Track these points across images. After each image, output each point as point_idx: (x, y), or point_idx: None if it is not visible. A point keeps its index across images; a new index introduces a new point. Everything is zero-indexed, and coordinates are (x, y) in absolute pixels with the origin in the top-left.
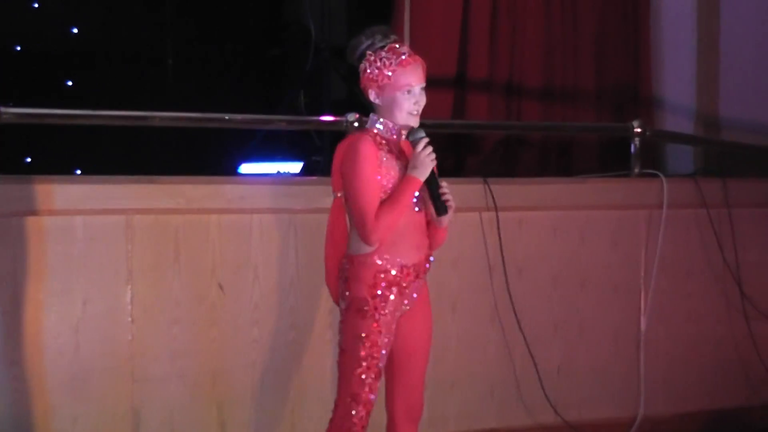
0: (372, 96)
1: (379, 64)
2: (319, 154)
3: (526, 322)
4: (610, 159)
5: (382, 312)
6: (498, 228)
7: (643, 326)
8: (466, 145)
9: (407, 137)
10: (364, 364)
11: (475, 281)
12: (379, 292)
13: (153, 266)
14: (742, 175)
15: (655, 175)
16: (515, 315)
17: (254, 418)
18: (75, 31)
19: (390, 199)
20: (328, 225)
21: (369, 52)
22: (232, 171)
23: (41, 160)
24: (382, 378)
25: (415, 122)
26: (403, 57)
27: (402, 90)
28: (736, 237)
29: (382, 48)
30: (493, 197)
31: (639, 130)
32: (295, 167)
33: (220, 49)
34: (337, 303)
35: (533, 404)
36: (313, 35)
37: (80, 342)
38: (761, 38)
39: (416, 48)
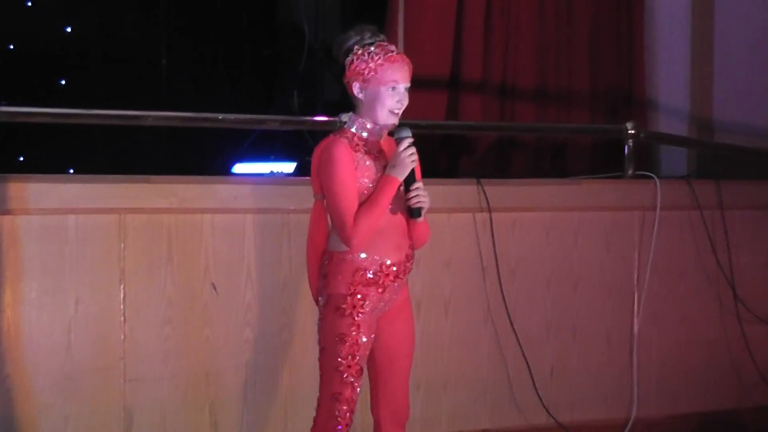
0: (356, 89)
1: (365, 57)
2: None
3: (519, 324)
4: (603, 160)
5: (361, 310)
6: (491, 229)
7: (636, 328)
8: (460, 147)
9: (393, 134)
10: (344, 362)
11: (469, 282)
12: (358, 290)
13: (145, 266)
14: (736, 177)
15: (649, 177)
16: (508, 316)
17: (246, 419)
18: (68, 30)
19: (368, 200)
20: (309, 226)
21: (357, 47)
22: (225, 171)
23: (34, 159)
24: (366, 377)
25: (394, 121)
26: (392, 53)
27: (387, 85)
28: (729, 239)
29: (370, 45)
30: (486, 198)
31: (633, 131)
32: (289, 167)
33: (213, 49)
34: (317, 302)
35: (526, 405)
36: (307, 36)
37: (72, 341)
38: (755, 40)
39: (410, 49)
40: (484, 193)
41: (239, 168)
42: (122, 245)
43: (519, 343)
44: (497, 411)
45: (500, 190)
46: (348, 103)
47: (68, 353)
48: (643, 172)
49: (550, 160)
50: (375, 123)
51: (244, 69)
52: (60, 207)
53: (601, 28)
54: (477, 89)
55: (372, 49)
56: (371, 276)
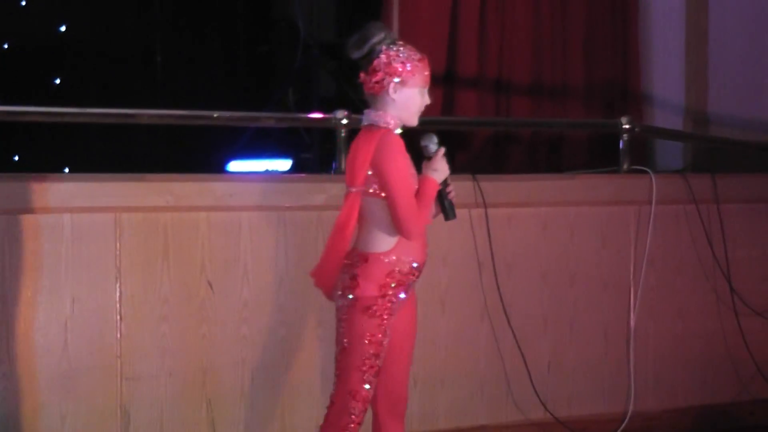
0: (390, 88)
1: (402, 58)
2: (309, 151)
3: (516, 319)
4: (599, 155)
5: (389, 313)
6: (487, 224)
7: (632, 322)
8: (456, 142)
9: (422, 144)
10: (368, 362)
11: (465, 278)
12: (389, 293)
13: (142, 264)
14: (731, 171)
15: (644, 171)
16: (505, 311)
17: (244, 416)
18: (63, 28)
19: (423, 199)
20: (340, 219)
21: (384, 47)
22: (221, 168)
23: (29, 158)
24: None
25: (415, 123)
26: (420, 56)
27: (419, 88)
28: (725, 233)
29: (392, 44)
30: (482, 194)
31: (628, 126)
32: (284, 164)
33: (209, 46)
34: (331, 298)
35: (523, 400)
36: (302, 33)
37: (69, 340)
38: (749, 34)
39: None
40: (480, 189)
41: (235, 165)
42: (118, 244)
43: (515, 339)
44: (494, 406)
45: (496, 186)
46: (343, 100)
47: (65, 352)
48: (638, 167)
49: (545, 155)
50: (401, 122)
51: (239, 66)
52: (56, 206)
53: (596, 22)
54: (472, 84)
55: (403, 50)
56: (401, 278)
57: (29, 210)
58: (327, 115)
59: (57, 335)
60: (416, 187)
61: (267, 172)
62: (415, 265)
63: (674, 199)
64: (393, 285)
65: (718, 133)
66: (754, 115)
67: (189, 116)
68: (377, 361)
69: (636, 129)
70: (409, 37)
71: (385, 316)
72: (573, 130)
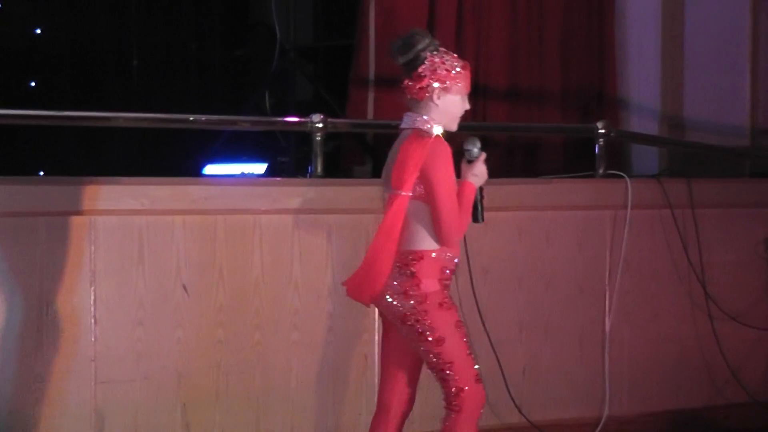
0: (435, 94)
1: (447, 65)
2: (285, 154)
3: (492, 323)
4: (575, 160)
5: (452, 301)
6: None
7: (607, 327)
8: None
9: (465, 147)
10: (465, 346)
11: None
12: (444, 286)
13: (117, 267)
14: (707, 176)
15: (620, 176)
16: (480, 316)
17: (219, 420)
18: (38, 31)
19: (463, 204)
20: (389, 222)
21: (429, 53)
22: (196, 172)
23: (3, 161)
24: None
25: (456, 128)
26: (462, 63)
27: (462, 94)
28: (700, 237)
29: (435, 51)
30: None
31: (603, 130)
32: (260, 168)
33: (184, 50)
34: (371, 299)
35: (498, 404)
36: (279, 36)
37: (43, 344)
38: (725, 39)
39: (381, 49)
40: None
41: (210, 169)
42: (93, 247)
43: (491, 343)
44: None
45: None
46: (319, 104)
47: (39, 355)
48: (614, 171)
49: (521, 160)
50: (443, 127)
51: (216, 70)
52: (30, 209)
53: (573, 27)
54: None
55: (447, 57)
56: (449, 273)
57: (3, 213)
58: (303, 119)
59: (31, 338)
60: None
61: (243, 175)
62: (456, 260)
63: (650, 204)
64: (447, 280)
65: (694, 138)
66: (729, 121)
67: (165, 119)
68: (469, 342)
69: (612, 134)
70: (386, 42)
71: (453, 305)
72: (549, 135)
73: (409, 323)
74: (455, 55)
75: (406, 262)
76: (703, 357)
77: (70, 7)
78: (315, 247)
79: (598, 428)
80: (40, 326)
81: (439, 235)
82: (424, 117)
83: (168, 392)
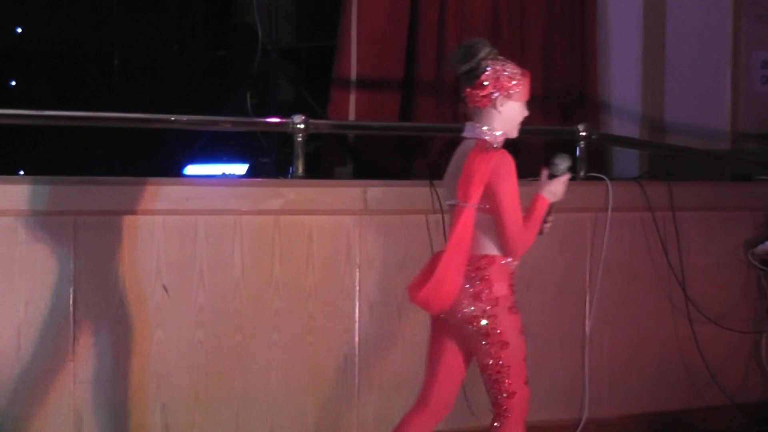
0: (498, 102)
1: (509, 73)
2: (266, 155)
3: None
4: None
5: (517, 306)
6: (444, 230)
7: (587, 329)
8: (413, 148)
9: (554, 160)
10: (525, 351)
11: None
12: (513, 291)
13: (97, 267)
14: (687, 179)
15: (601, 179)
16: None
17: (198, 420)
18: (19, 30)
19: (532, 218)
20: (458, 234)
21: (490, 61)
22: (177, 172)
23: None
24: None
25: (516, 134)
26: (522, 71)
27: (522, 101)
28: (680, 240)
29: (495, 59)
30: (439, 200)
31: (584, 133)
32: (241, 169)
33: (166, 49)
34: (442, 310)
35: (479, 406)
36: (261, 37)
37: (22, 343)
38: (706, 43)
39: (363, 50)
40: (437, 195)
41: (191, 169)
42: (73, 247)
43: None
44: (450, 412)
45: None
46: (301, 105)
47: (18, 355)
48: (595, 174)
49: None
50: (505, 135)
51: (197, 70)
52: (10, 208)
53: (554, 30)
54: (431, 90)
55: (508, 65)
56: (514, 278)
57: None
58: (284, 120)
59: (10, 338)
60: None
61: (224, 176)
62: (516, 264)
63: (630, 207)
64: (514, 284)
65: (675, 141)
66: (710, 124)
67: (146, 119)
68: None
69: (593, 136)
70: (368, 43)
71: (518, 311)
72: (530, 137)
73: (476, 326)
74: (514, 64)
75: (478, 266)
76: (682, 359)
77: (50, 7)
78: (296, 248)
79: (578, 430)
80: (20, 326)
81: (505, 248)
82: (486, 127)
83: (147, 392)
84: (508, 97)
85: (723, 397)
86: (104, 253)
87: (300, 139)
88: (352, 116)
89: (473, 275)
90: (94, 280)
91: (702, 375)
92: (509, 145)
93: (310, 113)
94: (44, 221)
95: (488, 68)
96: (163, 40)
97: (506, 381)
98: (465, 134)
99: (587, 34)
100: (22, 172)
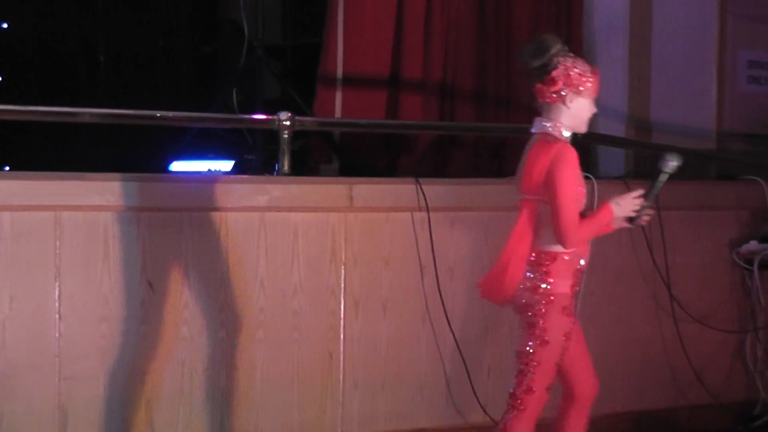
0: (568, 98)
1: (579, 69)
2: (252, 152)
3: (457, 323)
4: None
5: (574, 309)
6: (430, 228)
7: None
8: (399, 145)
9: (666, 155)
10: (561, 357)
11: (407, 281)
12: (576, 289)
13: (82, 263)
14: (672, 178)
15: (587, 177)
16: (446, 315)
17: (183, 417)
18: (5, 26)
19: (592, 220)
20: (520, 228)
21: (561, 58)
22: (163, 169)
23: None
24: None
25: (585, 130)
26: (591, 68)
27: (591, 98)
28: (665, 239)
29: (565, 55)
30: (425, 197)
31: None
32: (227, 165)
33: (152, 46)
34: (504, 301)
35: (463, 404)
36: (247, 33)
37: (7, 339)
38: (692, 43)
39: (350, 47)
40: (423, 193)
41: (177, 166)
42: (58, 242)
43: (456, 342)
44: (434, 410)
45: (439, 190)
46: (287, 102)
47: (2, 351)
48: None
49: (488, 160)
50: (573, 130)
51: (183, 66)
52: None
53: (540, 29)
54: (417, 88)
55: (578, 61)
56: (578, 274)
57: None
58: (270, 117)
59: None
60: (582, 198)
61: (209, 172)
62: (582, 262)
63: None
64: (577, 282)
65: (660, 140)
66: (695, 123)
67: (132, 116)
68: (563, 354)
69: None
70: (355, 40)
71: (573, 314)
72: (516, 135)
73: (527, 317)
74: (584, 60)
75: (540, 261)
76: (667, 358)
77: (37, 2)
78: (281, 245)
79: None
80: (5, 322)
81: (556, 235)
82: (552, 122)
83: (132, 389)
84: (578, 93)
85: (707, 395)
86: (90, 249)
87: (286, 136)
88: (338, 113)
89: (535, 269)
90: (80, 276)
91: (686, 374)
92: (496, 144)
93: (296, 110)
94: (29, 217)
95: (559, 65)
96: (149, 36)
97: (533, 377)
98: (533, 129)
99: (573, 32)
100: (7, 168)
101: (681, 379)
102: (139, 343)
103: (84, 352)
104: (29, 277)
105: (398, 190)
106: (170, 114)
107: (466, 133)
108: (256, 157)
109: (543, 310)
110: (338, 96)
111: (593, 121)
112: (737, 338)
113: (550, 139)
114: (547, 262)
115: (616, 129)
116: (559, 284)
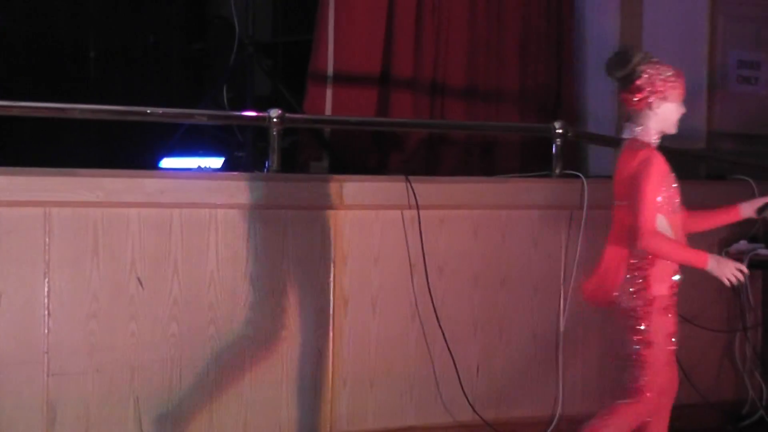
0: (654, 104)
1: (663, 76)
2: (242, 149)
3: (446, 321)
4: (532, 159)
5: (676, 310)
6: (419, 226)
7: (562, 326)
8: (390, 143)
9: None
10: (668, 354)
11: (396, 279)
12: (674, 291)
13: (71, 259)
14: None
15: (577, 176)
16: (435, 313)
17: (172, 414)
18: None
19: (679, 248)
20: (615, 232)
21: (645, 66)
22: (152, 165)
23: None
24: None
25: (675, 131)
26: (675, 72)
27: (678, 103)
28: None
29: (650, 63)
30: (415, 196)
31: (560, 130)
32: (217, 162)
33: (142, 42)
34: (609, 303)
35: (452, 402)
36: (237, 30)
37: None
38: (681, 43)
39: (340, 45)
40: (413, 190)
41: (167, 162)
42: (47, 239)
43: (445, 341)
44: (423, 408)
45: (429, 188)
46: (277, 99)
47: None
48: (570, 171)
49: (478, 158)
50: (662, 134)
51: (174, 63)
52: None
53: (531, 27)
54: (408, 86)
55: (663, 68)
56: (677, 279)
57: None
58: (260, 114)
59: None
60: (676, 198)
61: (199, 169)
62: (677, 277)
63: (606, 204)
64: (676, 285)
65: None
66: (685, 123)
67: (121, 112)
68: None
69: (569, 134)
70: (345, 37)
71: (675, 313)
72: (506, 134)
73: (630, 321)
74: (668, 65)
75: (640, 265)
76: None
77: None
78: (271, 242)
79: (551, 427)
80: None
81: (633, 236)
82: (640, 128)
83: (121, 385)
84: (664, 99)
85: (696, 395)
86: (79, 245)
87: (276, 133)
88: (328, 111)
89: (635, 273)
90: (69, 273)
91: None
92: (486, 142)
93: (287, 107)
94: (18, 212)
95: (643, 73)
96: (140, 32)
97: (644, 378)
98: (623, 135)
99: (564, 31)
100: None
101: None
102: (128, 339)
103: (73, 348)
104: (18, 273)
105: (388, 187)
106: (160, 110)
107: (457, 132)
108: (246, 154)
109: (645, 313)
110: (329, 93)
111: (583, 118)
112: (726, 338)
113: (638, 145)
114: (647, 267)
115: (607, 127)
116: (658, 287)
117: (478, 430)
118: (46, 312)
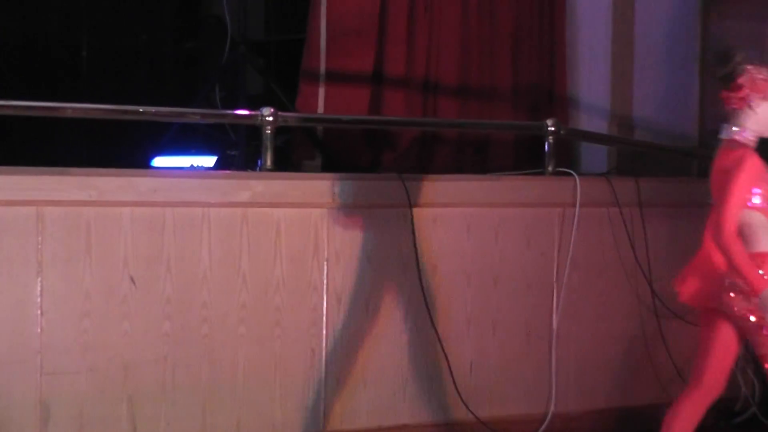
0: (754, 104)
1: (763, 76)
2: (234, 148)
3: (439, 319)
4: (524, 157)
5: None
6: (412, 224)
7: (555, 323)
8: (382, 141)
9: None
10: None
11: (389, 277)
12: None
13: (64, 258)
14: (655, 175)
15: (569, 174)
16: (428, 311)
17: (165, 413)
18: None
19: (749, 263)
20: (710, 233)
21: (746, 65)
22: (145, 164)
23: None
24: None
25: None
26: None
27: None
28: (647, 235)
29: (750, 63)
30: (408, 194)
31: (553, 128)
32: (209, 161)
33: (135, 41)
34: (712, 304)
35: (445, 400)
36: (230, 29)
37: None
38: (675, 40)
39: (333, 43)
40: (406, 189)
41: (159, 161)
42: (40, 238)
43: (439, 339)
44: (416, 406)
45: (422, 186)
46: (270, 98)
47: None
48: (563, 169)
49: (471, 156)
50: (760, 134)
51: (166, 62)
52: None
53: (524, 25)
54: (400, 84)
55: (761, 67)
56: None
57: None
58: (253, 113)
59: None
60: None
61: (192, 168)
62: None
63: (598, 202)
64: None
65: (642, 137)
66: (678, 121)
67: (114, 111)
68: None
69: (561, 132)
70: (338, 36)
71: None
72: (499, 132)
73: (750, 321)
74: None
75: (760, 264)
76: (648, 355)
77: None
78: (263, 241)
79: (544, 425)
80: None
81: (713, 228)
82: (737, 127)
83: (114, 384)
84: (765, 98)
85: None
86: (72, 244)
87: (269, 131)
88: (320, 109)
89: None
90: (61, 272)
91: (668, 370)
92: (478, 140)
93: (279, 106)
94: (11, 211)
95: (744, 71)
96: (132, 31)
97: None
98: (721, 135)
99: (556, 29)
100: None
101: (663, 375)
102: (121, 338)
103: (66, 347)
104: (10, 273)
105: (381, 186)
106: (153, 109)
107: (450, 130)
108: (238, 152)
109: (766, 309)
110: (321, 92)
111: (575, 116)
112: None
113: (735, 145)
114: (759, 265)
115: (599, 125)
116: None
117: (471, 428)
118: (39, 311)
